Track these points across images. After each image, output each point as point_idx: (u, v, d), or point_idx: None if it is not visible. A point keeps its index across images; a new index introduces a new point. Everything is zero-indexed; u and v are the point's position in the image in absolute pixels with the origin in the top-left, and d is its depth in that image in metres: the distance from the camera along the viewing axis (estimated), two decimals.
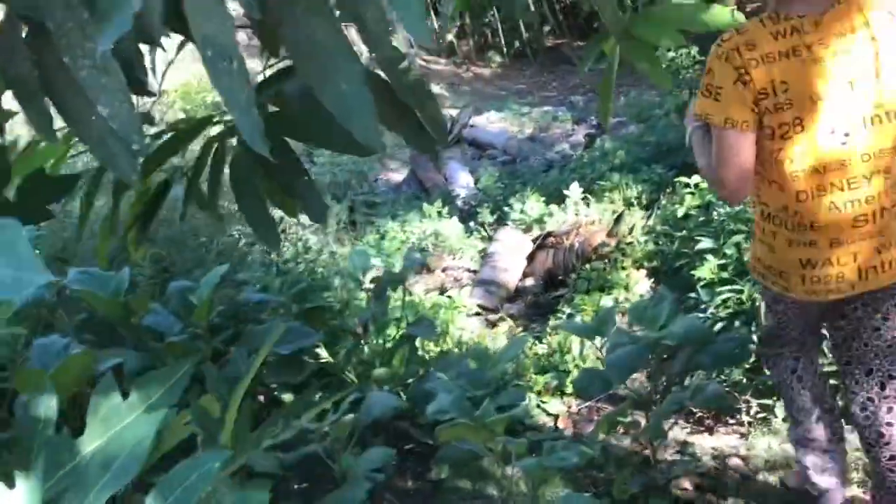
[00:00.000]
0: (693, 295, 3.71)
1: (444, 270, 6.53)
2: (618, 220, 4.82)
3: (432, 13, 17.17)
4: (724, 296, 3.51)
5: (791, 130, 1.70)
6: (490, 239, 6.18)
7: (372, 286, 3.31)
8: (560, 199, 6.42)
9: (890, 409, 1.93)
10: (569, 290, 4.52)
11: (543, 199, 6.64)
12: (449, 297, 4.58)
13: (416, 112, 1.51)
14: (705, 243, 4.02)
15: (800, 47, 1.66)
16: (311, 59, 1.08)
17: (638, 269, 4.40)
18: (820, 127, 1.69)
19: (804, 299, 1.90)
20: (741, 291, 3.48)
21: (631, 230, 4.72)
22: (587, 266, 4.48)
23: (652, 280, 4.31)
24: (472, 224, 7.32)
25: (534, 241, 5.27)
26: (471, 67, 15.37)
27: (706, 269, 3.84)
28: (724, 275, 3.75)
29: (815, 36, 1.66)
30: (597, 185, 6.64)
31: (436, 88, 13.39)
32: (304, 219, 6.93)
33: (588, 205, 6.14)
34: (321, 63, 1.09)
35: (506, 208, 7.04)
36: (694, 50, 7.47)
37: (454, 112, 11.78)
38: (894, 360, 1.91)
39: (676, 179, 4.94)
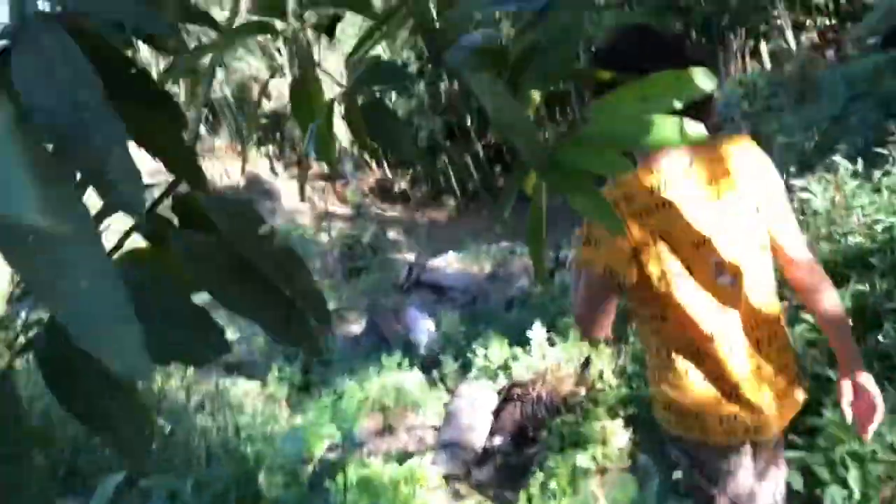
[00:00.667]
0: None
1: (407, 431, 5.96)
2: (585, 364, 4.37)
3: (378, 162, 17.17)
4: None
5: (678, 277, 1.69)
6: (452, 393, 5.66)
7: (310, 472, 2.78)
8: (524, 341, 5.99)
9: None
10: (541, 449, 3.99)
11: (507, 340, 6.21)
12: (409, 467, 4.01)
13: (286, 291, 1.06)
14: None
15: (671, 197, 1.68)
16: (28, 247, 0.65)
17: (613, 418, 3.91)
18: (707, 272, 1.70)
19: (724, 443, 1.78)
20: None
21: (601, 375, 4.26)
22: (558, 419, 3.98)
23: (630, 430, 3.81)
24: (434, 373, 6.82)
25: (499, 393, 4.78)
26: (426, 212, 15.30)
27: None
28: None
29: (686, 186, 1.69)
30: (561, 322, 6.25)
31: (392, 234, 13.19)
32: (248, 385, 6.38)
33: (553, 344, 5.71)
34: (47, 251, 0.65)
35: (469, 354, 6.58)
36: None
37: (411, 257, 11.54)
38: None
39: None
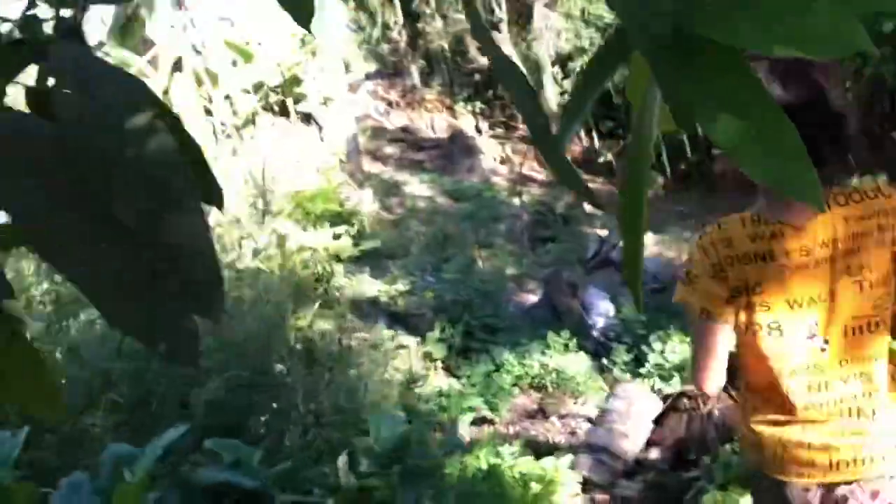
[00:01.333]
0: None
1: (561, 417, 5.43)
2: None
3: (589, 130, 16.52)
4: None
5: (765, 330, 1.65)
6: (612, 389, 5.03)
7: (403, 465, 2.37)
8: None
9: None
10: (702, 476, 3.32)
11: (689, 340, 5.48)
12: (542, 469, 3.50)
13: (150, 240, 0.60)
14: None
15: (778, 252, 1.61)
16: None
17: None
18: (798, 332, 1.65)
19: (779, 478, 1.76)
20: None
21: None
22: (728, 446, 3.28)
23: None
24: (604, 361, 6.22)
25: (664, 399, 4.11)
26: None
27: None
28: None
29: (796, 243, 1.61)
30: None
31: (588, 207, 12.49)
32: (407, 340, 6.13)
33: None
34: None
35: (645, 347, 5.91)
36: (881, 179, 6.09)
37: (604, 232, 10.80)
38: None
39: None
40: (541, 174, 13.73)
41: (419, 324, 6.91)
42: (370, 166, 11.66)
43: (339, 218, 7.39)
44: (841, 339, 1.64)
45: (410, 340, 6.20)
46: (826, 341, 1.64)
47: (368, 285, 7.31)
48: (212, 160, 8.07)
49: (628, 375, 5.78)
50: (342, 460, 2.26)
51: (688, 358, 5.13)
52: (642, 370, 5.61)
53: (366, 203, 9.77)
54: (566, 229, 11.04)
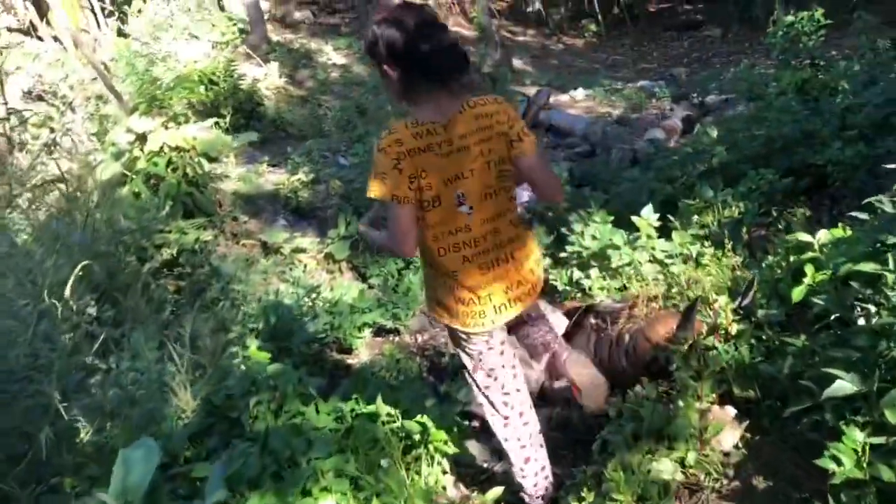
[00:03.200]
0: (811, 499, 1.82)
1: None
2: (690, 310, 2.83)
3: None
4: None
5: (431, 205, 2.11)
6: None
7: None
8: (633, 222, 4.51)
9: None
10: (610, 424, 2.65)
11: (612, 218, 4.73)
12: (420, 423, 2.78)
13: None
14: (841, 383, 2.09)
15: (433, 144, 2.07)
16: None
17: (722, 403, 2.49)
18: (452, 203, 2.12)
19: (465, 331, 2.27)
20: None
21: (712, 328, 2.76)
22: (637, 387, 2.60)
23: (743, 427, 2.39)
24: None
25: (567, 313, 3.41)
26: (562, 38, 13.19)
27: (846, 451, 1.94)
28: (880, 471, 1.83)
29: (444, 136, 2.08)
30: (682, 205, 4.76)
31: (518, 63, 11.37)
32: (306, 242, 5.31)
33: (667, 237, 4.25)
34: None
35: (564, 228, 5.18)
36: (818, 13, 5.46)
37: (531, 91, 9.81)
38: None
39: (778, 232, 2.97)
40: (468, 30, 12.45)
41: (325, 218, 6.06)
42: (278, 35, 10.32)
43: (226, 103, 6.28)
44: (480, 204, 2.13)
45: (308, 242, 5.36)
46: (471, 207, 2.12)
47: (267, 177, 6.38)
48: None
49: (548, 260, 5.09)
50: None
51: (607, 245, 4.43)
52: (563, 254, 4.91)
53: (270, 78, 8.60)
54: (493, 90, 10.02)
